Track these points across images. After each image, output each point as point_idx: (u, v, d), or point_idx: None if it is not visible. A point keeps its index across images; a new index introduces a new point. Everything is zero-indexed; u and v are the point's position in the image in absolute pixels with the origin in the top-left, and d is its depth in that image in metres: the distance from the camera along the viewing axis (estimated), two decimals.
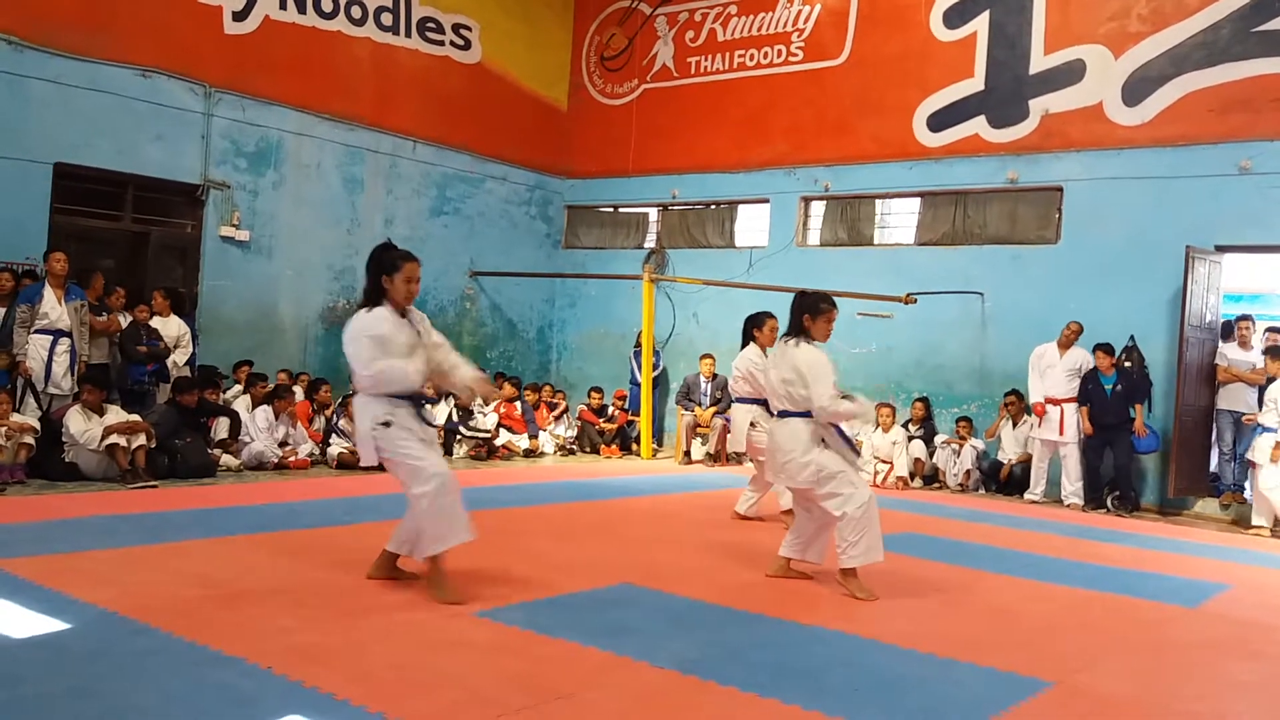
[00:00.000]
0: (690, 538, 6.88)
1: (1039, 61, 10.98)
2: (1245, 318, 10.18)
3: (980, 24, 11.39)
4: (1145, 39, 10.32)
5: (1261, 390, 9.21)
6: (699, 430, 11.92)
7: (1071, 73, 10.75)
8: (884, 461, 10.57)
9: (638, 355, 12.63)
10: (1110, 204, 10.46)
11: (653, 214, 14.31)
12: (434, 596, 4.66)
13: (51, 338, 8.28)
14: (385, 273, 4.75)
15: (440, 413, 10.48)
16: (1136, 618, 5.31)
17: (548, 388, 13.00)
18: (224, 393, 9.78)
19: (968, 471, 10.52)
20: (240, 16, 10.95)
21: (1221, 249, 9.97)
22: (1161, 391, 9.88)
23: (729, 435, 11.43)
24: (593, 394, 12.69)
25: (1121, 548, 7.58)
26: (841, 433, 5.38)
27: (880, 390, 11.44)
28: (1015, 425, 10.54)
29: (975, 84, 11.41)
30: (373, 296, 4.81)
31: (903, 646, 4.38)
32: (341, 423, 9.75)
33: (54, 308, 8.32)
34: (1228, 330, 10.15)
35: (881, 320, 11.28)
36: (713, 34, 13.56)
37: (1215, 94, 9.95)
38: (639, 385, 12.43)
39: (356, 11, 12.11)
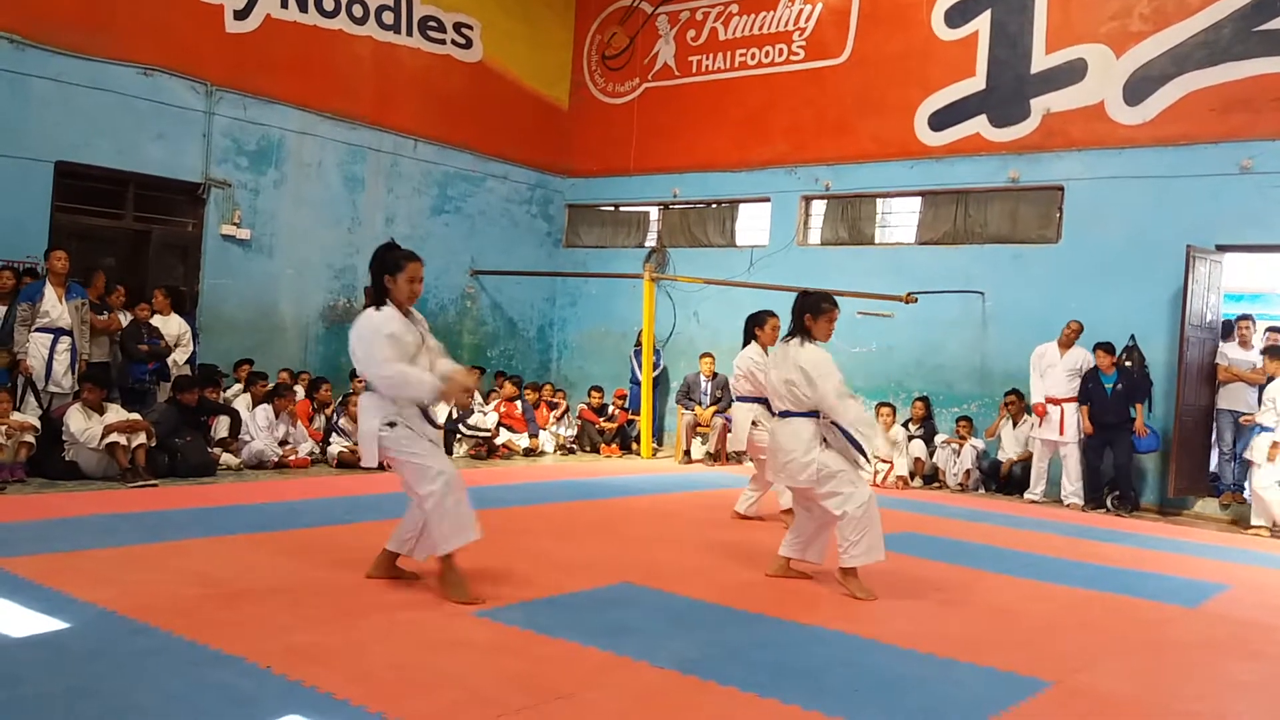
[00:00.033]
0: (690, 537, 6.88)
1: (1040, 61, 10.97)
2: (1245, 317, 10.18)
3: (981, 23, 11.38)
4: (1147, 38, 10.32)
5: (1261, 390, 9.21)
6: (699, 429, 11.92)
7: (1073, 72, 10.75)
8: (884, 461, 10.57)
9: (638, 354, 12.63)
10: (1111, 203, 10.45)
11: (653, 213, 14.31)
12: (448, 596, 4.66)
13: (52, 336, 8.28)
14: (388, 272, 4.74)
15: (440, 412, 10.47)
16: (1136, 618, 5.31)
17: (548, 387, 13.01)
18: (224, 391, 9.78)
19: (968, 471, 10.52)
20: (242, 15, 10.95)
21: (1222, 248, 9.97)
22: (1162, 391, 9.88)
23: (729, 434, 11.43)
24: (593, 393, 12.69)
25: (1121, 547, 7.58)
26: (845, 433, 5.38)
27: (880, 389, 11.44)
28: (1015, 425, 10.54)
29: (976, 83, 11.40)
30: (377, 296, 4.79)
31: (902, 646, 4.38)
32: (342, 421, 9.75)
33: (55, 306, 8.33)
34: (1228, 330, 10.15)
35: (882, 319, 11.28)
36: (714, 33, 13.55)
37: (1216, 93, 9.95)
38: (639, 384, 12.43)
39: (358, 10, 12.11)
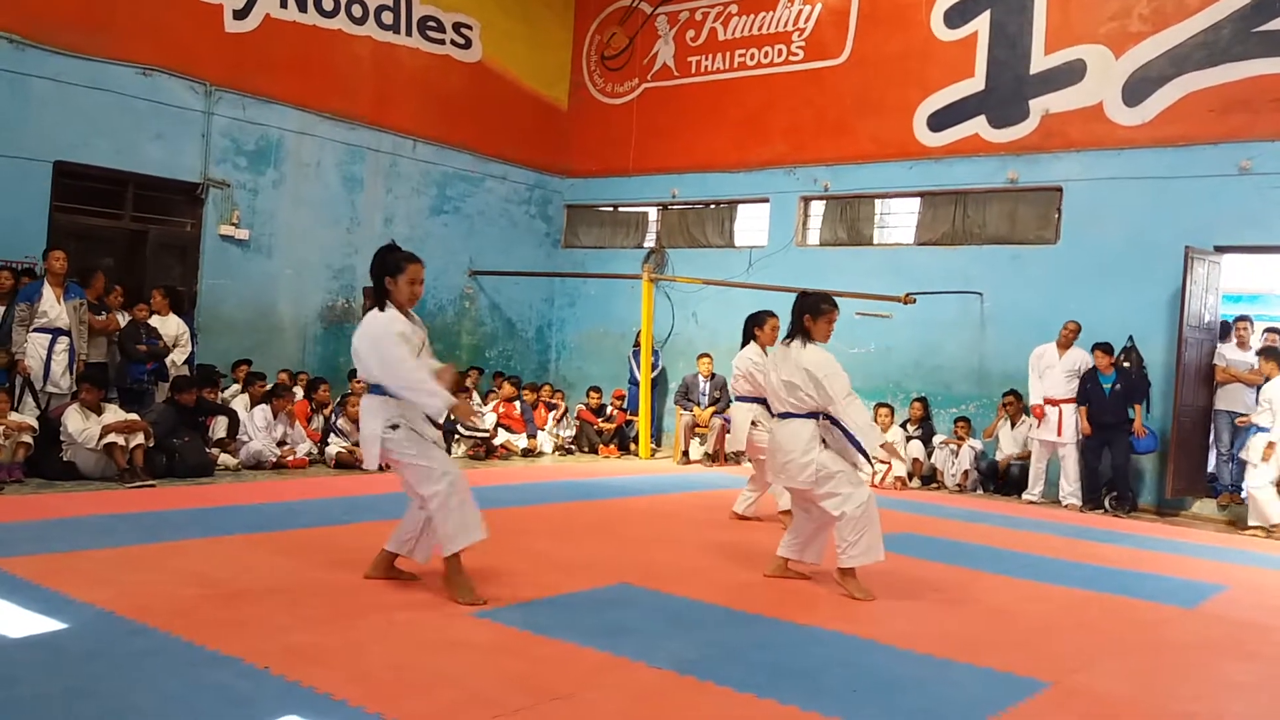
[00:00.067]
0: (688, 538, 6.88)
1: (1039, 61, 10.98)
2: (1243, 318, 10.19)
3: (981, 24, 11.39)
4: (1146, 39, 10.32)
5: (1259, 391, 9.22)
6: (697, 430, 11.92)
7: (1072, 73, 10.75)
8: (882, 462, 10.56)
9: (636, 355, 12.63)
10: (1110, 204, 10.46)
11: (652, 213, 14.31)
12: (453, 597, 4.66)
13: (50, 336, 8.28)
14: (389, 274, 4.72)
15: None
16: (1134, 618, 5.31)
17: (546, 387, 13.01)
18: (222, 392, 9.78)
19: (966, 472, 10.52)
20: (241, 15, 10.95)
21: (1220, 249, 9.97)
22: (1160, 392, 9.89)
23: (727, 435, 11.44)
24: (591, 393, 12.69)
25: (1119, 548, 7.59)
26: (847, 434, 5.38)
27: (879, 390, 11.44)
28: (1014, 425, 10.55)
29: (975, 84, 11.41)
30: (377, 298, 4.77)
31: (900, 647, 4.38)
32: (340, 422, 9.75)
33: (53, 306, 8.33)
34: (1225, 330, 10.16)
35: (880, 320, 11.28)
36: (713, 33, 13.55)
37: (1215, 94, 9.95)
38: (638, 385, 12.43)
39: (357, 10, 12.10)
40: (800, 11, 12.78)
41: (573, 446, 12.27)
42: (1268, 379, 9.04)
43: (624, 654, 4.00)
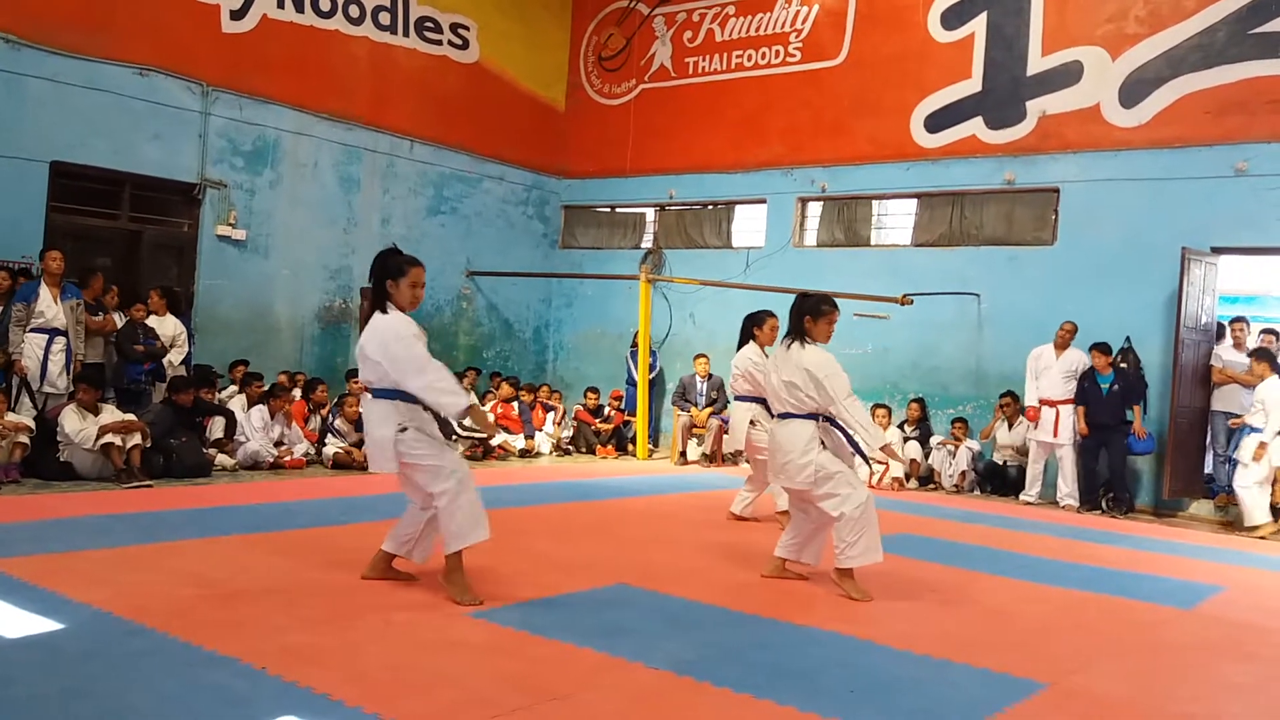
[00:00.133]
0: (686, 538, 6.88)
1: (1036, 63, 10.99)
2: (1239, 319, 10.21)
3: (978, 25, 11.40)
4: (1142, 41, 10.34)
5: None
6: (695, 431, 11.92)
7: (1069, 74, 10.77)
8: (879, 462, 10.56)
9: (634, 355, 12.63)
10: (1106, 205, 10.47)
11: (650, 214, 14.31)
12: (451, 596, 4.65)
13: (47, 337, 8.27)
14: (390, 277, 4.70)
15: None
16: (1131, 619, 5.32)
17: (544, 388, 13.02)
18: (219, 392, 9.76)
19: (963, 472, 10.53)
20: (238, 15, 10.94)
21: (1217, 250, 9.99)
22: (1157, 393, 9.91)
23: (725, 436, 11.44)
24: (589, 394, 12.69)
25: (1116, 549, 7.59)
26: (846, 434, 5.39)
27: (876, 391, 11.44)
28: (1011, 426, 10.56)
29: (973, 85, 11.42)
30: (378, 301, 4.75)
31: (898, 647, 4.39)
32: (337, 423, 9.74)
33: (50, 306, 8.32)
34: (1221, 331, 10.17)
35: (878, 321, 11.28)
36: (710, 34, 13.56)
37: (1211, 96, 9.97)
38: (635, 385, 12.43)
39: (354, 10, 12.10)
40: (798, 13, 12.79)
41: (570, 447, 12.27)
42: (1261, 380, 9.07)
43: (621, 654, 4.00)
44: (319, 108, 11.76)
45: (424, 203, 13.06)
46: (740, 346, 7.52)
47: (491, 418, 11.30)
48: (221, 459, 8.73)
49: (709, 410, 11.81)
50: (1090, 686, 4.06)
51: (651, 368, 12.58)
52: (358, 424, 9.59)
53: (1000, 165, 11.20)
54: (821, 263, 12.29)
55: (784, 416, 5.46)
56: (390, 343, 4.58)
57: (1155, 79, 10.26)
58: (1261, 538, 8.74)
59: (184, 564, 5.05)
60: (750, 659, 4.08)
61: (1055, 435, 9.85)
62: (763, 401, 6.85)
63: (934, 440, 10.85)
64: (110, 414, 7.93)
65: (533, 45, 14.37)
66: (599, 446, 12.25)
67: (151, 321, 9.41)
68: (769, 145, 12.92)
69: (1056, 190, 10.87)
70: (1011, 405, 10.50)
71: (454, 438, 10.81)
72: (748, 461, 8.14)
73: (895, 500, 9.38)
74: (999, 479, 10.58)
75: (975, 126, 11.39)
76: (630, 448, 12.35)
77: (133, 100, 10.12)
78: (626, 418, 12.61)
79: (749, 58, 13.19)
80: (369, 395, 4.82)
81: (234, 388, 9.95)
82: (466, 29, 13.42)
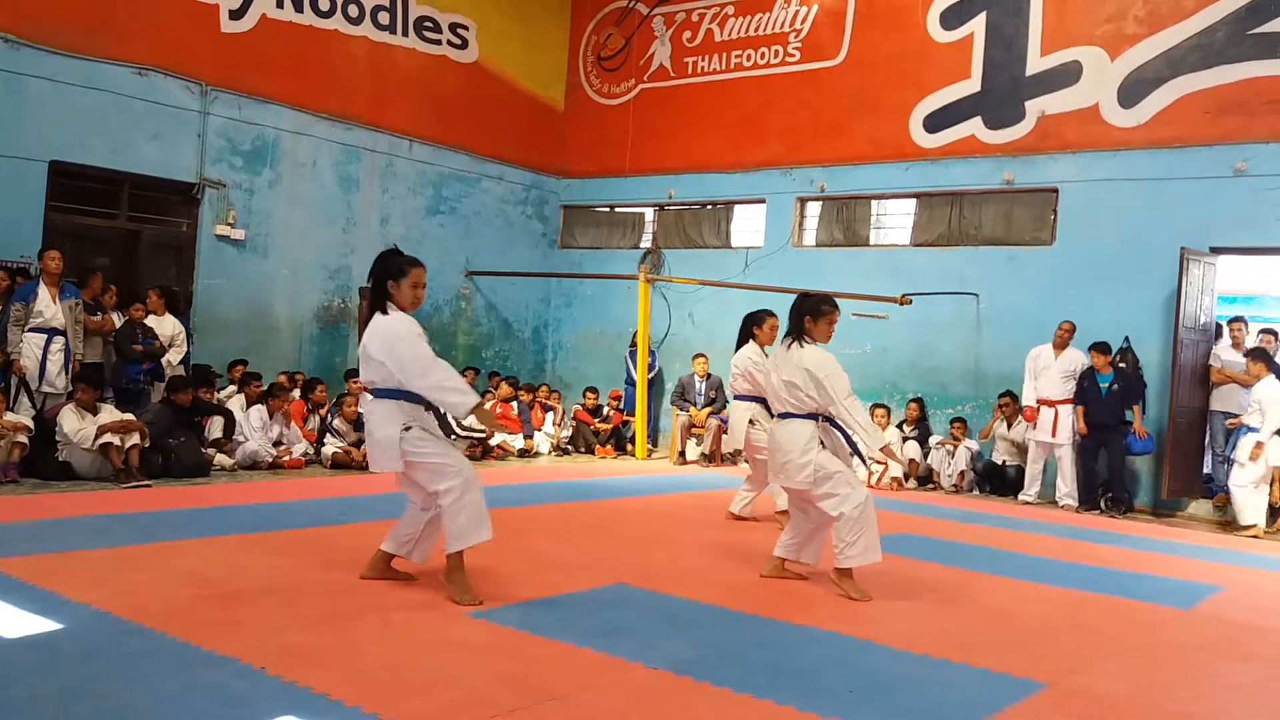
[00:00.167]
0: (685, 538, 6.88)
1: (1035, 63, 10.99)
2: (1238, 319, 10.21)
3: (977, 25, 11.40)
4: (1141, 41, 10.34)
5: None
6: (694, 431, 11.92)
7: (1068, 74, 10.77)
8: (879, 462, 10.56)
9: (633, 355, 12.63)
10: (1105, 205, 10.47)
11: (649, 214, 14.31)
12: (451, 596, 4.65)
13: (46, 336, 8.27)
14: (391, 278, 4.69)
15: None
16: (1131, 619, 5.32)
17: (543, 388, 13.01)
18: (218, 392, 9.76)
19: (962, 472, 10.53)
20: (237, 15, 10.94)
21: (1216, 251, 10.00)
22: (1155, 393, 9.92)
23: (724, 436, 11.44)
24: (588, 394, 12.69)
25: (1115, 549, 7.60)
26: (845, 435, 5.39)
27: (875, 391, 11.45)
28: (1010, 426, 10.57)
29: (972, 85, 11.42)
30: (378, 302, 4.74)
31: (897, 647, 4.39)
32: (336, 422, 9.74)
33: (49, 306, 8.31)
34: (1219, 331, 10.18)
35: (877, 321, 11.29)
36: (710, 34, 13.56)
37: (1210, 96, 9.98)
38: (634, 385, 12.42)
39: (353, 10, 12.09)
40: (797, 13, 12.79)
41: (569, 447, 12.27)
42: (1258, 379, 9.08)
43: (620, 654, 3.99)
44: (318, 107, 11.76)
45: (423, 202, 13.06)
46: (739, 346, 7.52)
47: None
48: (220, 459, 8.72)
49: (708, 410, 11.81)
50: (1089, 686, 4.07)
51: (650, 367, 12.58)
52: (356, 424, 9.59)
53: (999, 165, 11.20)
54: (820, 263, 12.29)
55: (784, 416, 5.46)
56: (395, 343, 4.57)
57: (1154, 79, 10.26)
58: (1254, 536, 8.75)
59: (183, 564, 5.05)
60: (750, 659, 4.08)
61: (1054, 435, 9.86)
62: (762, 401, 6.85)
63: (933, 440, 10.85)
64: (109, 414, 7.93)
65: (532, 45, 14.37)
66: (598, 446, 12.25)
67: (150, 321, 9.40)
68: (768, 145, 12.92)
69: (1055, 190, 10.87)
70: (1010, 405, 10.50)
71: (453, 437, 10.82)
72: (747, 461, 8.14)
73: (894, 500, 9.38)
74: (998, 479, 10.58)
75: (974, 126, 11.39)
76: (629, 447, 12.35)
77: (132, 100, 10.11)
78: (625, 417, 12.61)
79: (748, 58, 13.19)
80: (368, 395, 4.82)
81: (233, 387, 9.94)
82: (465, 29, 13.42)
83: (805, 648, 4.33)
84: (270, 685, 3.40)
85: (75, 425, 7.66)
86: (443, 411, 5.16)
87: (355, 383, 9.91)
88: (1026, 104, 11.03)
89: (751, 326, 7.49)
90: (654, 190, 13.96)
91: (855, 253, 12.24)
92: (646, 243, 14.19)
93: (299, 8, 11.51)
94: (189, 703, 3.20)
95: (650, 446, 12.42)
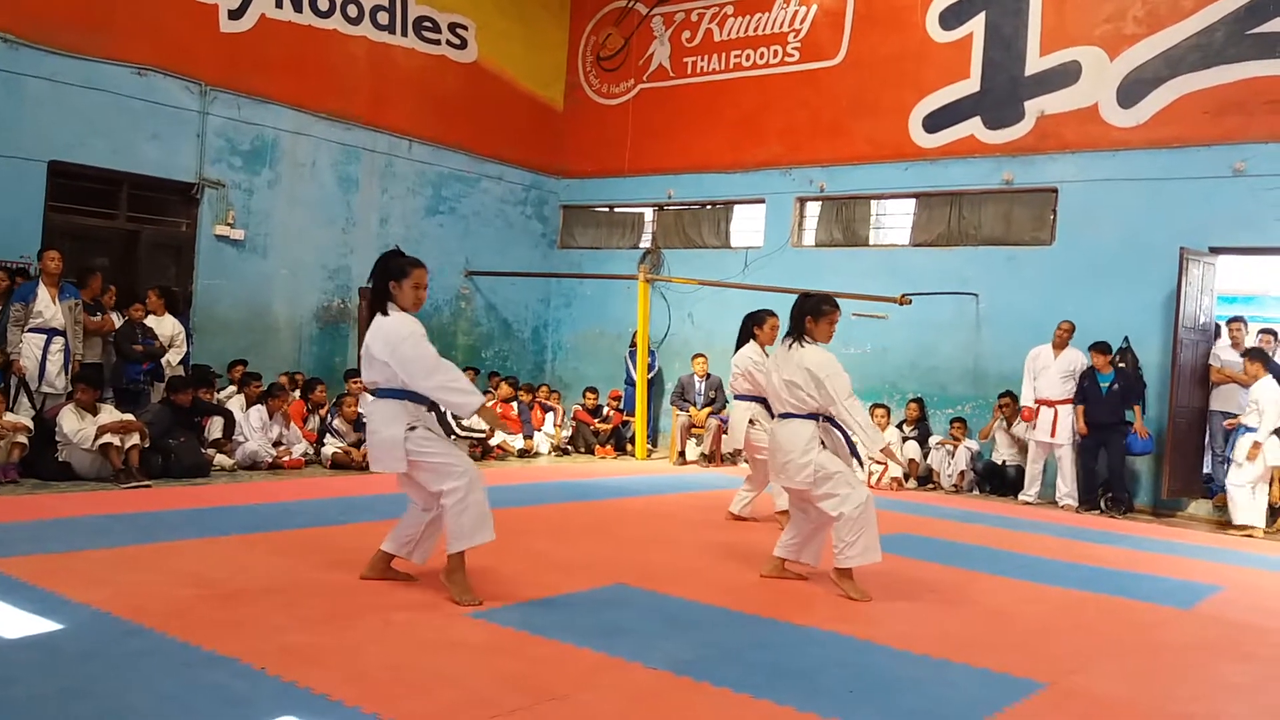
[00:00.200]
0: (685, 538, 6.88)
1: (1034, 63, 11.00)
2: (1237, 319, 10.21)
3: (976, 25, 11.40)
4: (1140, 41, 10.35)
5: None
6: (694, 431, 11.92)
7: (1067, 74, 10.77)
8: (878, 462, 10.57)
9: (633, 355, 12.63)
10: (1105, 205, 10.48)
11: (648, 214, 14.31)
12: (452, 597, 4.65)
13: (45, 337, 8.26)
14: (393, 279, 4.69)
15: None
16: (1130, 619, 5.32)
17: (543, 388, 13.01)
18: (218, 392, 9.76)
19: (962, 472, 10.54)
20: (236, 15, 10.94)
21: (1215, 250, 10.00)
22: (1155, 393, 9.92)
23: (724, 436, 11.45)
24: (588, 394, 12.69)
25: (1115, 549, 7.60)
26: (846, 437, 5.39)
27: (875, 391, 11.45)
28: (1010, 426, 10.57)
29: (971, 85, 11.43)
30: (379, 303, 4.73)
31: (897, 647, 4.39)
32: (336, 423, 9.74)
33: (48, 306, 8.31)
34: (1218, 331, 10.18)
35: (876, 321, 11.29)
36: (709, 34, 13.56)
37: (1210, 96, 9.98)
38: (634, 385, 12.42)
39: (353, 10, 12.09)
40: (796, 13, 12.79)
41: (569, 447, 12.27)
42: (1255, 380, 9.08)
43: (620, 654, 3.99)
44: (317, 107, 11.76)
45: (422, 202, 13.06)
46: (740, 346, 7.51)
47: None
48: (220, 459, 8.72)
49: (707, 410, 11.81)
50: (1090, 686, 4.07)
51: (650, 368, 12.58)
52: (356, 424, 9.59)
53: (998, 165, 11.20)
54: (820, 263, 12.29)
55: (784, 416, 5.46)
56: (398, 344, 4.57)
57: (1153, 79, 10.26)
58: (1249, 536, 8.76)
59: (183, 564, 5.05)
60: (749, 659, 4.08)
61: (1053, 435, 9.86)
62: (763, 401, 6.85)
63: (933, 440, 10.86)
64: (109, 414, 7.92)
65: (531, 45, 14.37)
66: (598, 446, 12.25)
67: (150, 321, 9.40)
68: (767, 145, 12.92)
69: (1055, 190, 10.88)
70: (1010, 405, 10.50)
71: (453, 437, 10.82)
72: (747, 461, 8.13)
73: (894, 500, 9.38)
74: (998, 479, 10.59)
75: (973, 126, 11.39)
76: (629, 448, 12.35)
77: (131, 100, 10.11)
78: (625, 418, 12.61)
79: (747, 58, 13.20)
80: (368, 396, 4.81)
81: (232, 388, 9.94)
82: (465, 29, 13.42)
83: (805, 648, 4.33)
84: (270, 685, 3.40)
85: (75, 425, 7.66)
86: (443, 411, 5.16)
87: (355, 383, 9.92)
88: (1026, 104, 11.04)
89: (752, 326, 7.48)
90: (653, 190, 13.96)
91: (855, 253, 12.24)
92: (646, 243, 14.19)
93: (298, 8, 11.50)
94: (189, 703, 3.20)
95: (650, 447, 12.42)
